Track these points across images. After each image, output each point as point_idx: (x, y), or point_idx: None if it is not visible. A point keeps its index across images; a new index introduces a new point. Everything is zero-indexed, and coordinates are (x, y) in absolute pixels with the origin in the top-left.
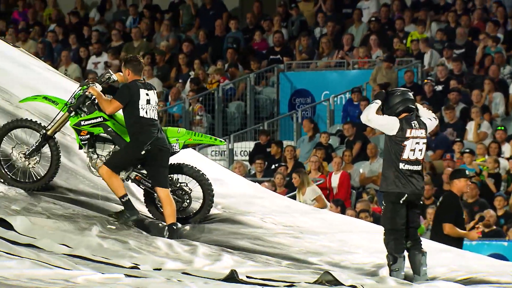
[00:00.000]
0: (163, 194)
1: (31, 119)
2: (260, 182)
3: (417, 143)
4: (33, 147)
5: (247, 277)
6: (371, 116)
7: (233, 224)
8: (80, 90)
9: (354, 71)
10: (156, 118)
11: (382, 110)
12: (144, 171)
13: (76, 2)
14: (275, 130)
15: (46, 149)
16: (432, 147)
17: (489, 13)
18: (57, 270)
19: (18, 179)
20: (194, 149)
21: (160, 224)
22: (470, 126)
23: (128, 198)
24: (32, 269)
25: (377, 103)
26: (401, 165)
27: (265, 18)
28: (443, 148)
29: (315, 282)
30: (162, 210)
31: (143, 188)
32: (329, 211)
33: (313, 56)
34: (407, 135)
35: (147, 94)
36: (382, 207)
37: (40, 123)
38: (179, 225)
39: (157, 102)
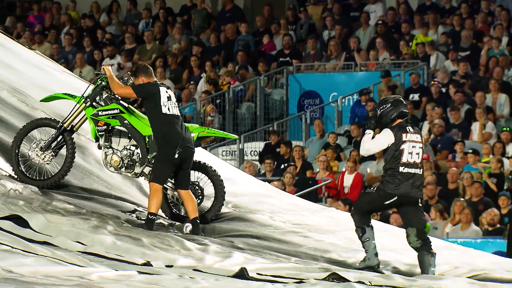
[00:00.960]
0: (185, 193)
1: (48, 117)
2: (269, 181)
3: (414, 146)
4: (50, 139)
5: (257, 274)
6: (367, 147)
7: (243, 222)
8: (96, 81)
9: (361, 73)
10: (178, 114)
11: (378, 121)
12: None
13: (92, 6)
14: (284, 130)
15: (63, 151)
16: (437, 148)
17: (493, 17)
18: (72, 267)
19: (33, 177)
20: (205, 149)
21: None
22: (475, 127)
23: (155, 218)
24: (47, 266)
25: (369, 133)
26: (401, 169)
27: (274, 21)
28: (448, 148)
29: (323, 279)
30: (175, 210)
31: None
32: (337, 209)
33: (321, 59)
34: (403, 139)
35: (166, 92)
36: (368, 190)
37: (58, 120)
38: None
39: (175, 100)
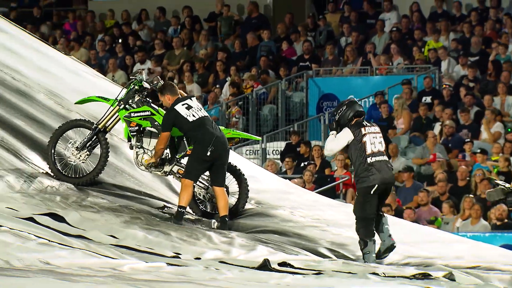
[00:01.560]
0: (219, 190)
1: (83, 118)
2: (290, 179)
3: (374, 137)
4: (85, 140)
5: (278, 265)
6: (329, 147)
7: (265, 218)
8: (129, 85)
9: (377, 77)
10: (205, 115)
11: (338, 122)
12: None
13: (122, 14)
14: (304, 131)
15: (98, 150)
16: (448, 147)
17: (501, 24)
18: (105, 259)
19: (69, 175)
20: (230, 148)
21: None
22: (484, 128)
23: (184, 211)
24: (82, 258)
25: (332, 134)
26: (369, 160)
27: (295, 28)
28: (458, 148)
29: (341, 271)
30: (202, 207)
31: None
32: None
33: (339, 63)
34: (363, 132)
35: (183, 104)
36: (355, 198)
37: (93, 122)
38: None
39: (198, 105)
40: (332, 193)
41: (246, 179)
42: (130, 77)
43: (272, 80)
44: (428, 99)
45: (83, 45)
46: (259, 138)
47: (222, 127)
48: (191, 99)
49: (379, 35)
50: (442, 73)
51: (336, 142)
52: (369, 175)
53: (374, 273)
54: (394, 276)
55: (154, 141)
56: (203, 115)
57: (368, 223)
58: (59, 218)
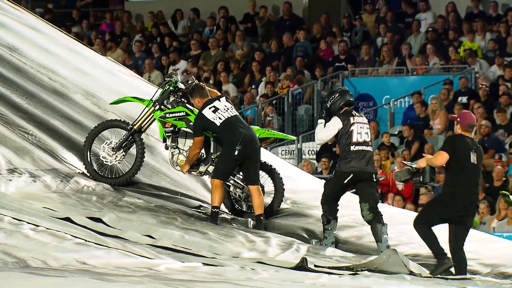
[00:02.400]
0: (254, 188)
1: (119, 119)
2: (326, 179)
3: (361, 127)
4: (121, 140)
5: (315, 265)
6: (319, 136)
7: (301, 218)
8: (164, 86)
9: (413, 77)
10: (233, 114)
11: (328, 110)
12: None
13: (157, 15)
14: None
15: (133, 150)
16: (484, 147)
17: None
18: (141, 259)
19: (105, 175)
20: (266, 148)
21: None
22: None
23: (218, 211)
24: (118, 258)
25: (321, 123)
26: (352, 148)
27: (331, 28)
28: (494, 148)
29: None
30: (237, 206)
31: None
32: (389, 205)
33: (374, 64)
34: (352, 121)
35: (210, 107)
36: (328, 178)
37: (128, 122)
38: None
39: (226, 105)
40: None
41: (281, 178)
42: (166, 78)
43: (308, 80)
44: (464, 99)
45: (120, 45)
46: (294, 137)
47: (257, 127)
48: (219, 100)
49: (415, 35)
50: (482, 73)
51: (326, 131)
52: (348, 161)
53: (411, 273)
54: (430, 277)
55: (189, 141)
56: (230, 115)
57: (332, 202)
58: (96, 218)
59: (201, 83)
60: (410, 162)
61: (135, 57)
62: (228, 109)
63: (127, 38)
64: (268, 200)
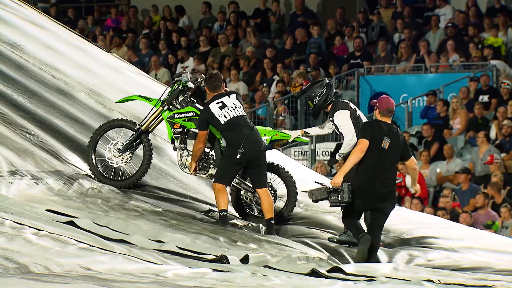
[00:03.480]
0: (262, 191)
1: (125, 118)
2: None
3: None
4: (127, 142)
5: (327, 271)
6: (352, 143)
7: (314, 222)
8: (173, 85)
9: (431, 75)
10: (239, 114)
11: (317, 106)
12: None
13: (164, 10)
14: None
15: (139, 151)
16: (506, 148)
17: None
18: (148, 264)
19: (111, 177)
20: (278, 149)
21: (250, 224)
22: None
23: (226, 214)
24: (123, 263)
25: (321, 128)
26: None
27: (346, 24)
28: None
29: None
30: (248, 211)
31: (234, 189)
32: (407, 208)
33: (391, 61)
34: (353, 107)
35: (218, 103)
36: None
37: (135, 122)
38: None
39: (235, 103)
40: None
41: (294, 182)
42: (175, 78)
43: (322, 78)
44: (485, 98)
45: (125, 42)
46: (308, 140)
47: (269, 128)
48: (229, 96)
49: (434, 31)
50: (503, 71)
51: (349, 132)
52: None
53: (428, 280)
54: (449, 284)
55: None
56: (236, 115)
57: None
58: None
59: (219, 74)
60: (321, 182)
61: (141, 54)
62: (235, 107)
63: (133, 34)
64: (280, 204)
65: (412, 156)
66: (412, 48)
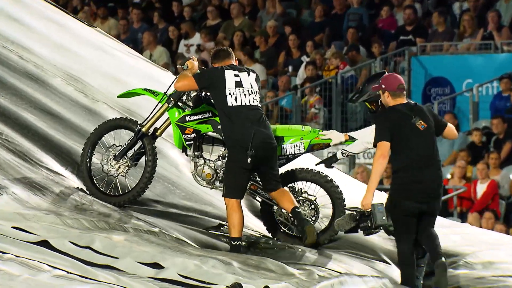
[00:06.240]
0: (276, 193)
1: (125, 117)
2: (387, 191)
3: None
4: (125, 147)
5: None
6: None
7: (355, 243)
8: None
9: (503, 55)
10: (253, 104)
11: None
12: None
13: None
14: None
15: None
16: None
17: None
18: None
19: (108, 192)
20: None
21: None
22: None
23: (239, 244)
24: None
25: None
26: None
27: None
28: None
29: None
30: (283, 229)
31: (260, 200)
32: (471, 225)
33: (452, 37)
34: None
35: (236, 75)
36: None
37: (136, 120)
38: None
39: (253, 86)
40: (443, 209)
41: (340, 192)
42: (180, 66)
43: (363, 60)
44: None
45: (113, 14)
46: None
47: (307, 128)
48: (248, 74)
49: (506, 1)
50: None
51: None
52: None
53: None
54: None
55: (217, 149)
56: (249, 104)
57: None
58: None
59: (227, 48)
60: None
61: (133, 28)
62: (251, 93)
63: (122, 3)
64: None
65: (448, 123)
66: (479, 21)
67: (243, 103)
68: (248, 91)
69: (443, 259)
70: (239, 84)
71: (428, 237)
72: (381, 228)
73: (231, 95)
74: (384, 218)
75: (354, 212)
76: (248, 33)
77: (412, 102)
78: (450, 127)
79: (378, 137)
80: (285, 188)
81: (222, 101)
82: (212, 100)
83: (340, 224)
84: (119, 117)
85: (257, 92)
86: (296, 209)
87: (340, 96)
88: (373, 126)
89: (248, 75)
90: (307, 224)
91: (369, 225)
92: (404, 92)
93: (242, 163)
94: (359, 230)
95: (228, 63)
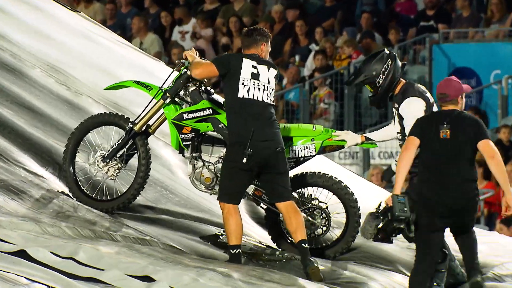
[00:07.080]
0: (284, 206)
1: (115, 113)
2: (407, 194)
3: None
4: (114, 147)
5: None
6: None
7: (372, 255)
8: (181, 69)
9: None
10: (266, 101)
11: (382, 89)
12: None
13: None
14: None
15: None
16: None
17: None
18: None
19: (94, 196)
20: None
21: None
22: None
23: (239, 252)
24: None
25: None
26: None
27: None
28: None
29: None
30: (290, 239)
31: (264, 207)
32: (499, 233)
33: (478, 23)
34: (431, 100)
35: (254, 67)
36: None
37: (127, 117)
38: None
39: (271, 82)
40: None
41: (355, 200)
42: (179, 61)
43: (379, 48)
44: None
45: None
46: (375, 145)
47: (319, 127)
48: (268, 68)
49: None
50: None
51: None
52: None
53: None
54: None
55: (218, 149)
56: (260, 99)
57: None
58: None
59: (256, 33)
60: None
61: (120, 13)
62: (266, 89)
63: None
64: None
65: (488, 140)
66: (508, 5)
67: (255, 98)
68: (263, 86)
69: (478, 278)
70: (255, 76)
71: (463, 245)
72: (402, 227)
73: (244, 86)
74: (405, 209)
75: (376, 211)
76: (250, 19)
77: (457, 110)
78: (486, 143)
79: (410, 132)
80: (297, 208)
81: (233, 91)
82: (213, 96)
83: (366, 230)
84: (108, 112)
85: (273, 90)
86: (303, 244)
87: (353, 89)
88: (391, 126)
89: (268, 70)
90: (310, 266)
91: (389, 218)
92: (445, 99)
93: (237, 163)
94: (392, 239)
95: (252, 52)
